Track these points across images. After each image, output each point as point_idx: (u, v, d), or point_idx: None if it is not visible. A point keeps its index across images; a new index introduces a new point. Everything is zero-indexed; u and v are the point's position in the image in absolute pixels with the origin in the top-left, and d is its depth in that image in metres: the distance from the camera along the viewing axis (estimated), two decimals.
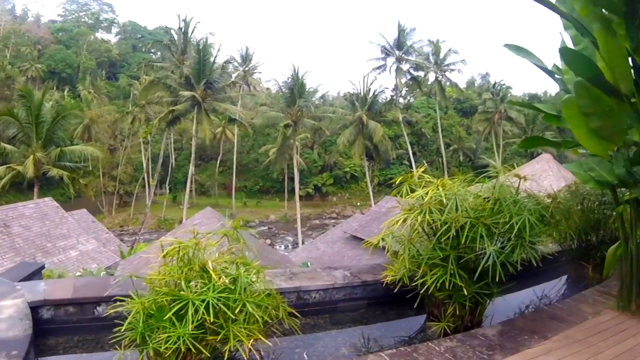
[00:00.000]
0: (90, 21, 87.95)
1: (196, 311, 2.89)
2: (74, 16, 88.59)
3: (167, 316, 2.94)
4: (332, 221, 53.51)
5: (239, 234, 3.44)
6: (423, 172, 4.43)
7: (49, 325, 3.97)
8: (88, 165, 47.69)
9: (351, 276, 4.76)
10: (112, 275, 12.18)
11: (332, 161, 62.70)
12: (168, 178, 57.29)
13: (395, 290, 4.26)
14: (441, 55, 56.93)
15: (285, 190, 59.69)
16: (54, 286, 4.35)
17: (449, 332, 4.04)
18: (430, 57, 57.30)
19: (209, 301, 2.90)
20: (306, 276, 4.62)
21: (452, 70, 57.51)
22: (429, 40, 57.42)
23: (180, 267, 3.18)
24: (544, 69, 5.27)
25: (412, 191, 4.16)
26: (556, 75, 5.40)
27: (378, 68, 53.67)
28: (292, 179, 49.78)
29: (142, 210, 51.00)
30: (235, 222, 3.41)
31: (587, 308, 4.60)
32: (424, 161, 66.58)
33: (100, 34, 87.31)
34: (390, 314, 4.82)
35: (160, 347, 2.93)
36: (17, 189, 40.74)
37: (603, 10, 4.06)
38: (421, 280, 3.96)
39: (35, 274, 6.26)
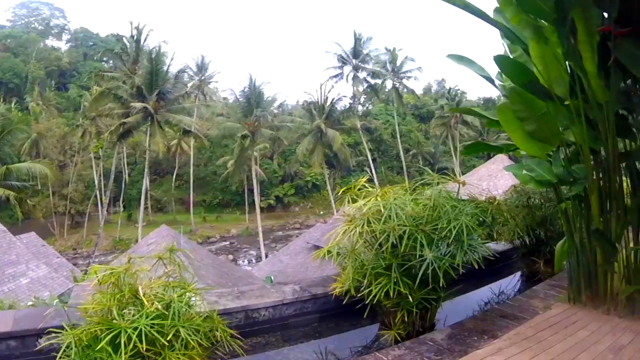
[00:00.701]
0: (40, 27, 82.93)
1: (129, 339, 2.75)
2: (23, 21, 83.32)
3: (99, 346, 2.80)
4: (296, 232, 52.76)
5: (175, 256, 3.31)
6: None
7: None
8: (36, 184, 45.45)
9: (300, 290, 4.67)
10: (65, 302, 11.62)
11: (293, 171, 62.39)
12: (122, 195, 55.03)
13: (345, 302, 4.21)
14: (398, 63, 58.04)
15: (246, 203, 58.32)
16: None
17: (399, 339, 4.01)
18: (387, 65, 58.35)
19: (141, 329, 2.77)
20: (254, 294, 4.50)
21: (409, 77, 58.81)
22: (386, 49, 58.67)
23: (113, 295, 3.03)
24: (485, 76, 5.39)
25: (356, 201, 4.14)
26: (497, 83, 5.56)
27: (335, 76, 54.37)
28: (252, 191, 48.90)
29: (96, 231, 47.71)
30: (171, 246, 3.28)
31: (538, 303, 4.64)
32: (385, 167, 67.98)
33: (51, 41, 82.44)
34: (343, 325, 4.75)
35: None
36: None
37: (535, 18, 4.18)
38: (367, 290, 3.93)
39: None
